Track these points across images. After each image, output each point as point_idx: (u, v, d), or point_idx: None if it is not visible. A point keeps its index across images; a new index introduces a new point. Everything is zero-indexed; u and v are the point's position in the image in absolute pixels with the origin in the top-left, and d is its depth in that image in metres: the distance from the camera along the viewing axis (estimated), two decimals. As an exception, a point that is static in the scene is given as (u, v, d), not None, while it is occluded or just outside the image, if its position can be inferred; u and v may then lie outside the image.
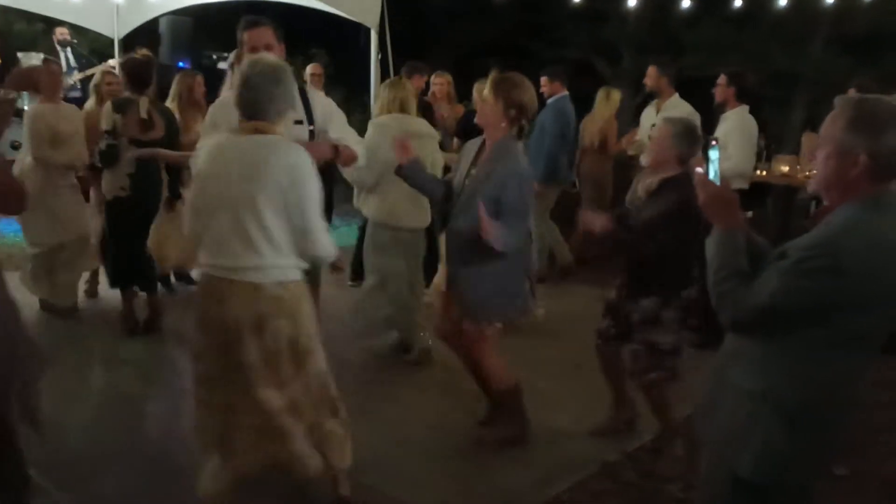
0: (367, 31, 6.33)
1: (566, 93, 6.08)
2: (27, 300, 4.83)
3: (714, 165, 1.91)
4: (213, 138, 2.72)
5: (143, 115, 4.35)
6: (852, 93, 5.21)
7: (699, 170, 1.91)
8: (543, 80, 6.09)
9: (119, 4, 7.92)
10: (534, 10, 11.77)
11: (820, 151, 1.77)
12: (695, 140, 3.13)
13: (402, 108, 4.21)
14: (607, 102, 6.41)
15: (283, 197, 2.40)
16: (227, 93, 3.37)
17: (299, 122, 3.22)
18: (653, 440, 3.44)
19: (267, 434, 2.53)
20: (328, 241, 2.58)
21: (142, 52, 4.54)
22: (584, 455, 3.36)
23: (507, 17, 12.22)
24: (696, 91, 6.07)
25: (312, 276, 2.87)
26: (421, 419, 3.67)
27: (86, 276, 5.21)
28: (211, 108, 3.32)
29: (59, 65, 5.29)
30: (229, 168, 2.46)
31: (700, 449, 3.19)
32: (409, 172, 3.29)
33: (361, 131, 4.23)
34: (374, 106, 4.39)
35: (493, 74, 3.32)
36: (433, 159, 4.18)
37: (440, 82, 5.65)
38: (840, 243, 1.65)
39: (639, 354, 3.18)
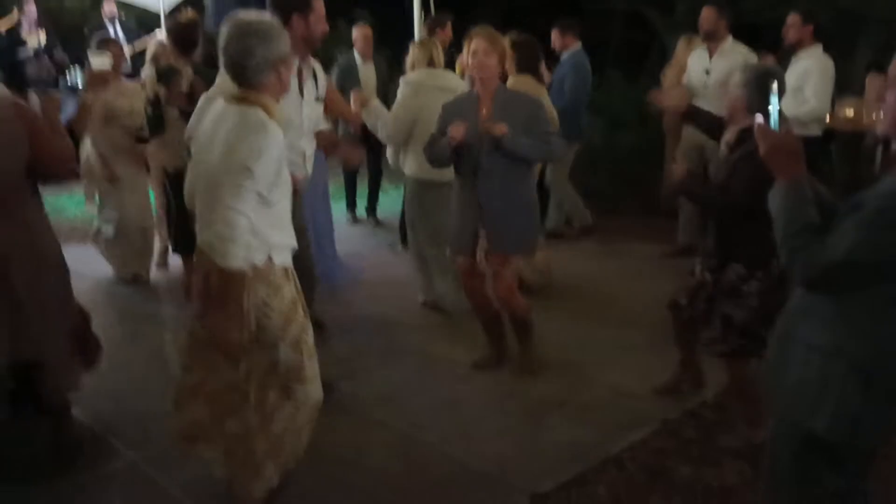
0: (411, -10, 6.22)
1: (580, 45, 5.83)
2: (94, 270, 5.00)
3: (774, 113, 1.80)
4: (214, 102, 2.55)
5: (185, 88, 4.33)
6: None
7: (759, 118, 1.80)
8: (555, 33, 5.86)
9: (164, -24, 7.96)
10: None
11: (891, 91, 1.65)
12: (765, 90, 2.77)
13: (430, 64, 4.32)
14: (688, 49, 5.90)
15: (236, 171, 2.22)
16: None
17: (319, 100, 3.33)
18: (715, 396, 3.35)
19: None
20: (227, 237, 2.22)
21: (187, 16, 4.52)
22: (644, 413, 3.30)
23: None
24: (756, 36, 5.78)
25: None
26: (476, 378, 3.66)
27: (158, 247, 5.33)
28: None
29: (119, 45, 5.31)
30: (205, 136, 2.37)
31: (763, 405, 3.15)
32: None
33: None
34: (406, 64, 4.47)
35: (511, 36, 4.19)
36: None
37: None
38: None
39: (713, 327, 2.98)
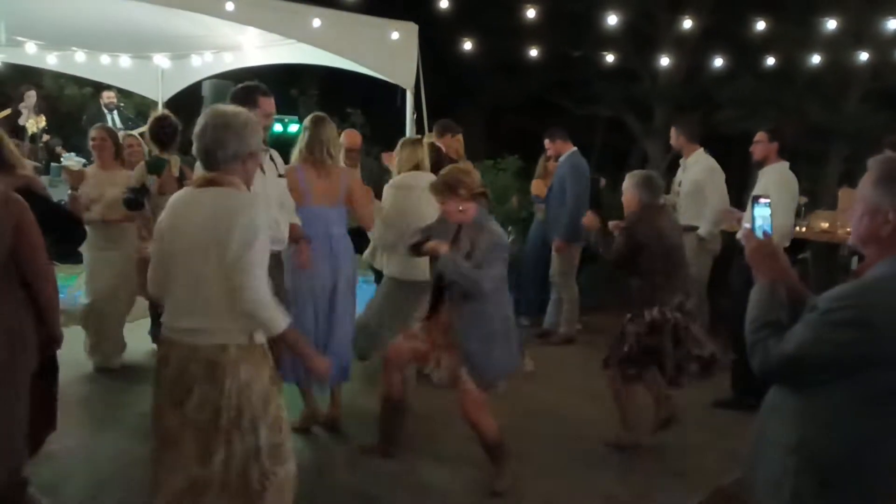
0: (403, 90, 6.48)
1: (575, 148, 6.04)
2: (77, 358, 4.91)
3: (759, 221, 1.94)
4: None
5: (175, 172, 4.55)
6: (887, 151, 5.19)
7: (746, 225, 1.93)
8: (547, 143, 6.12)
9: (164, 69, 8.25)
10: (565, 69, 11.92)
11: (855, 209, 1.80)
12: (650, 187, 3.78)
13: (418, 167, 4.47)
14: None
15: (227, 253, 2.26)
16: None
17: (281, 177, 3.49)
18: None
19: None
20: (268, 307, 2.31)
21: (157, 113, 4.77)
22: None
23: (539, 76, 12.39)
24: (733, 146, 6.04)
25: None
26: (463, 477, 3.62)
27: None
28: None
29: (107, 130, 5.35)
30: (180, 223, 2.38)
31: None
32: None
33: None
34: (394, 166, 4.62)
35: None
36: None
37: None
38: (868, 297, 1.65)
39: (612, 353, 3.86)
